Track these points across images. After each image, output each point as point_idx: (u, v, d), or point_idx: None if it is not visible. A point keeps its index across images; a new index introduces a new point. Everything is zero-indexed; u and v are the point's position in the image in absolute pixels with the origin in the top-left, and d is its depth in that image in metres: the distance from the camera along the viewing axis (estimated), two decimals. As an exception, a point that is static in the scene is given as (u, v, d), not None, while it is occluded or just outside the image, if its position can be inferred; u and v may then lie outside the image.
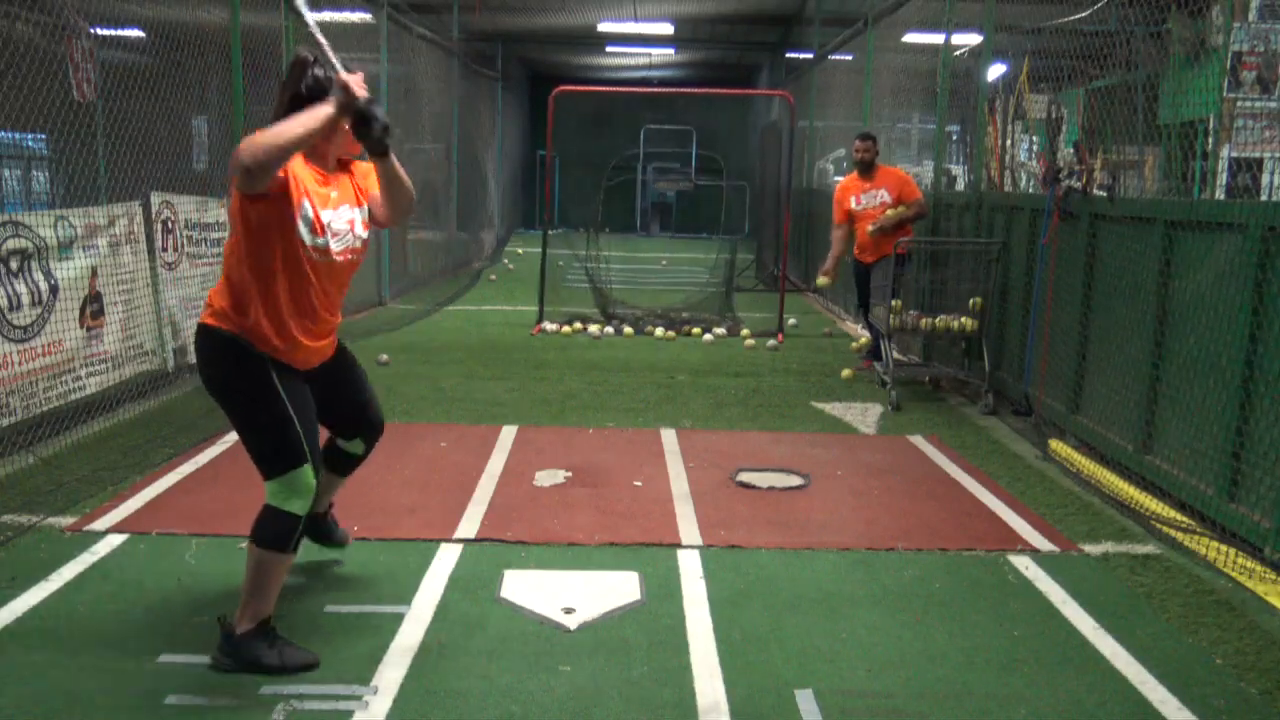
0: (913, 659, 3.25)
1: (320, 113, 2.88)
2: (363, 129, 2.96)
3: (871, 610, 3.60)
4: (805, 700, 2.97)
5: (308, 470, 3.07)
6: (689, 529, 4.34)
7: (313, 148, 3.03)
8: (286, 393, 3.06)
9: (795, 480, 5.07)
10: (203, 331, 3.10)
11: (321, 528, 3.70)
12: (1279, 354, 4.06)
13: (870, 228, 7.67)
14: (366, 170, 3.28)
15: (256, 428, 3.06)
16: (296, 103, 2.99)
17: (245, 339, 3.04)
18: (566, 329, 9.56)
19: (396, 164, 3.14)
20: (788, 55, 17.67)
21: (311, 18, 3.13)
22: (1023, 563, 4.07)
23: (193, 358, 6.68)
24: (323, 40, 3.00)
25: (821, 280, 8.27)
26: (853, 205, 7.91)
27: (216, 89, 7.19)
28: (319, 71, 3.05)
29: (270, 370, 3.06)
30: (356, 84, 2.92)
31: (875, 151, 7.90)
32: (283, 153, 2.81)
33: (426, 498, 4.64)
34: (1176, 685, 3.11)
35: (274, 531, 3.05)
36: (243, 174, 2.78)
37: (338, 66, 2.96)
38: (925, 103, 9.29)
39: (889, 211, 7.69)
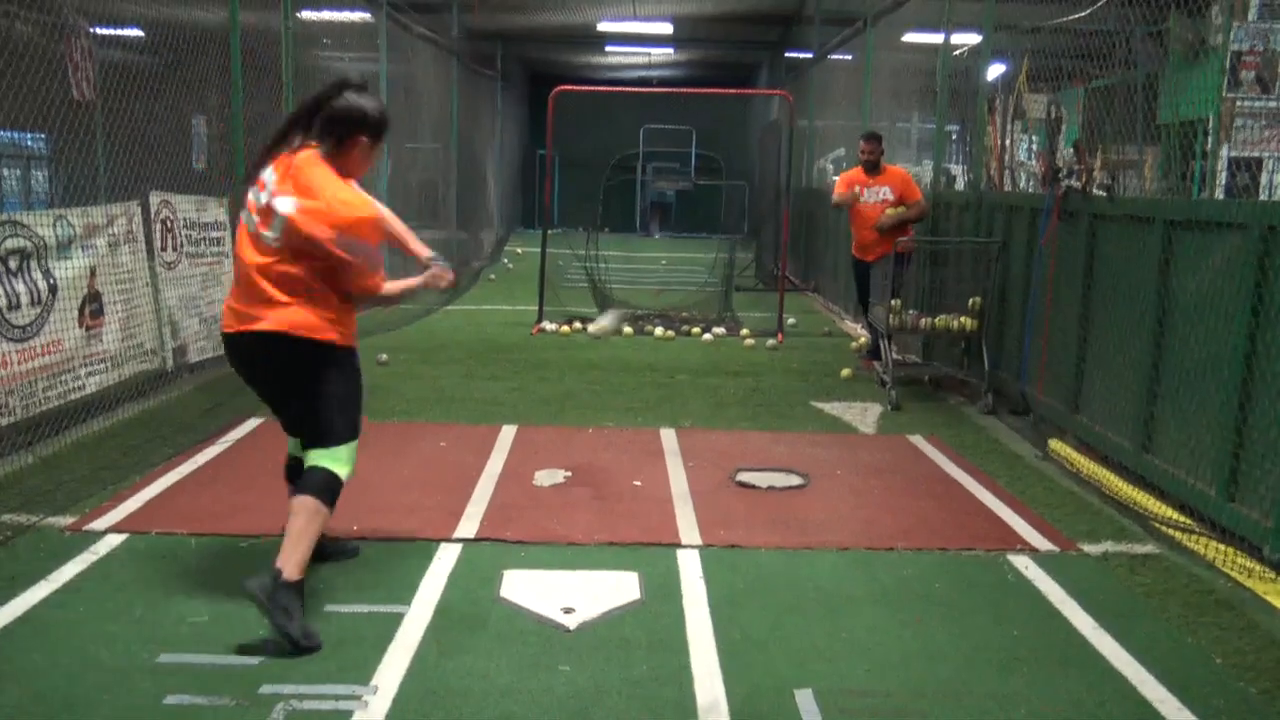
0: (913, 659, 3.25)
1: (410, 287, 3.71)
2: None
3: (871, 610, 3.60)
4: (805, 700, 2.97)
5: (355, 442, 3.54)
6: (689, 529, 4.34)
7: (348, 168, 3.50)
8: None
9: (795, 480, 5.07)
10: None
11: (328, 549, 3.76)
12: (1279, 354, 4.06)
13: (874, 225, 7.72)
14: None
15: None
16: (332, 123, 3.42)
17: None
18: (566, 329, 9.56)
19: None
20: (787, 55, 17.67)
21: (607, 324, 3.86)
22: (1022, 562, 4.07)
23: (192, 357, 6.76)
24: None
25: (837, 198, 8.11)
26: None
27: (216, 89, 7.19)
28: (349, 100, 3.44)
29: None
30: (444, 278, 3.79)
31: (881, 152, 7.92)
32: (381, 303, 3.65)
33: (426, 498, 4.64)
34: (1176, 685, 3.11)
35: (331, 488, 3.40)
36: (360, 294, 3.43)
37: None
38: (925, 102, 9.29)
39: (889, 210, 7.72)
